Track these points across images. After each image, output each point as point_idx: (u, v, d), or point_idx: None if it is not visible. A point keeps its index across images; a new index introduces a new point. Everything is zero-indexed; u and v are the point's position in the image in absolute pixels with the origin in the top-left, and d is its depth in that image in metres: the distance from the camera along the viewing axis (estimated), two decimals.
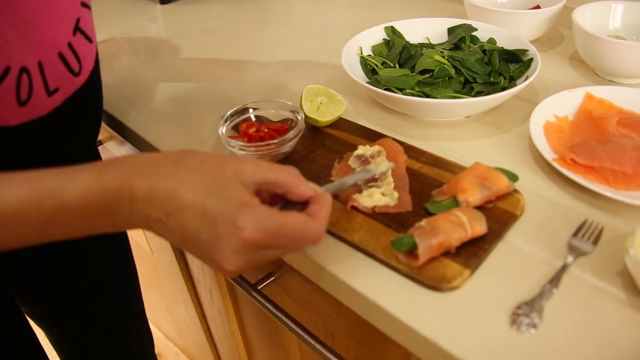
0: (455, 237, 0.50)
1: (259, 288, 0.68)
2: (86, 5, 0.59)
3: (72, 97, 0.57)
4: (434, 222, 0.51)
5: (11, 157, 0.53)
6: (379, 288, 0.49)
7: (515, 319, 0.45)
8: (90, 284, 0.81)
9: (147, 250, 1.16)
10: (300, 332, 0.63)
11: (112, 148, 1.00)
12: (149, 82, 0.88)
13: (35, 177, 0.41)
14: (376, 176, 0.58)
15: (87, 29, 0.59)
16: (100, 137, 0.97)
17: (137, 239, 1.16)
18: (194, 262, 0.99)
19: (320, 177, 0.61)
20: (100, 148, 0.95)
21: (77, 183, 0.41)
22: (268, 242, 0.42)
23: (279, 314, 0.65)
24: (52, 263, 0.75)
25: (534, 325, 0.45)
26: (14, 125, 0.51)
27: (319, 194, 0.46)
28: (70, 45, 0.56)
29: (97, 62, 0.63)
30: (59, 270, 0.76)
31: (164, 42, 1.03)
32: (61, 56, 0.55)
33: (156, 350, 1.01)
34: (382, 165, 0.59)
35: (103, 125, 0.84)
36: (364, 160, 0.62)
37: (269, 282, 0.70)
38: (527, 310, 0.46)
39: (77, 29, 0.57)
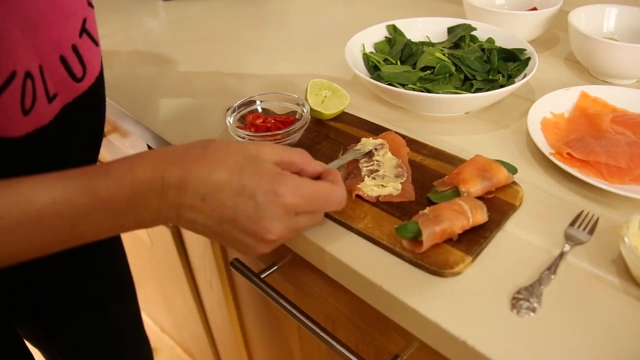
0: (458, 225, 0.51)
1: (262, 277, 0.69)
2: (91, 5, 0.56)
3: (71, 104, 0.53)
4: (438, 210, 0.53)
5: (12, 172, 0.47)
6: (383, 273, 0.50)
7: (515, 303, 0.47)
8: (87, 301, 0.80)
9: (147, 241, 1.16)
10: (302, 318, 0.64)
11: (115, 140, 1.01)
12: (151, 77, 0.89)
13: (70, 177, 0.41)
14: (365, 151, 0.63)
15: (92, 30, 0.55)
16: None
17: (138, 231, 1.16)
18: (194, 253, 0.99)
19: None
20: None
21: (109, 178, 0.41)
22: (304, 206, 0.45)
23: (281, 301, 0.66)
24: (49, 283, 0.73)
25: (533, 309, 0.46)
26: (18, 136, 0.47)
27: (328, 169, 0.51)
28: (74, 48, 0.52)
29: (101, 67, 0.60)
30: (55, 290, 0.75)
31: (165, 37, 1.04)
32: (62, 59, 0.50)
33: (152, 345, 1.02)
34: (368, 144, 0.63)
35: (106, 117, 0.85)
36: (367, 152, 0.63)
37: (272, 271, 0.71)
38: (526, 295, 0.47)
39: (83, 30, 0.53)
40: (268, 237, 0.44)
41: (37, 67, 0.47)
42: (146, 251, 1.21)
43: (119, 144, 1.00)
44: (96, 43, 0.56)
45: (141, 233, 1.15)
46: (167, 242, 1.04)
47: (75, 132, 0.56)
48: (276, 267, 0.72)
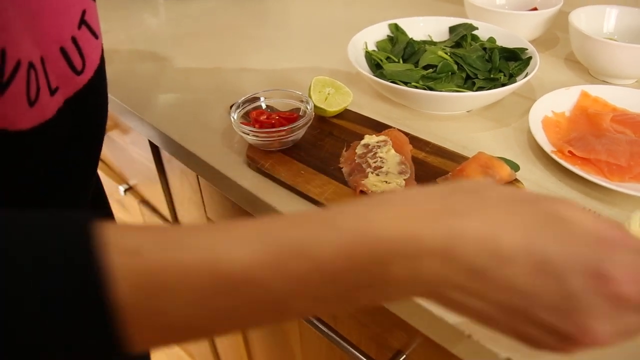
0: None
1: None
2: None
3: (72, 98, 0.51)
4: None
5: (16, 168, 0.45)
6: None
7: None
8: None
9: None
10: None
11: (116, 137, 1.01)
12: (152, 74, 0.89)
13: (267, 229, 0.29)
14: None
15: (92, 22, 0.54)
16: None
17: None
18: None
19: (329, 163, 0.63)
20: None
21: (333, 232, 0.29)
22: None
23: None
24: None
25: None
26: (26, 129, 0.43)
27: None
28: (74, 40, 0.50)
29: (102, 60, 0.57)
30: None
31: (166, 35, 1.04)
32: (63, 51, 0.48)
33: None
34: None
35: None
36: (371, 149, 0.63)
37: None
38: None
39: (82, 21, 0.51)
40: (584, 340, 0.29)
41: (38, 59, 0.45)
42: None
43: (120, 141, 1.00)
44: (96, 36, 0.55)
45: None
46: None
47: (77, 128, 0.54)
48: None
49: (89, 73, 0.53)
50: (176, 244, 0.28)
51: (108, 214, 0.74)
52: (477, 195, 0.30)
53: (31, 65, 0.44)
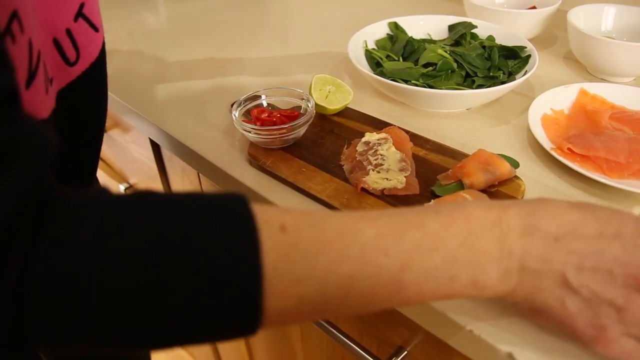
0: None
1: None
2: None
3: (66, 89, 0.51)
4: (442, 202, 0.53)
5: None
6: None
7: None
8: None
9: None
10: None
11: (116, 136, 1.01)
12: (152, 72, 0.89)
13: (390, 213, 0.36)
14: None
15: (92, 16, 0.53)
16: None
17: None
18: None
19: (330, 161, 0.63)
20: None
21: (439, 215, 0.36)
22: None
23: None
24: None
25: None
26: (45, 118, 0.44)
27: None
28: (69, 32, 0.50)
29: (102, 54, 0.56)
30: None
31: (166, 33, 1.04)
32: (56, 42, 0.49)
33: None
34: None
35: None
36: (371, 147, 0.64)
37: None
38: None
39: (79, 14, 0.51)
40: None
41: (38, 48, 0.45)
42: None
43: (121, 139, 1.00)
44: (95, 29, 0.54)
45: None
46: None
47: (74, 122, 0.53)
48: None
49: (83, 65, 0.53)
50: (316, 222, 0.34)
51: None
52: (547, 200, 0.38)
53: (39, 53, 0.44)
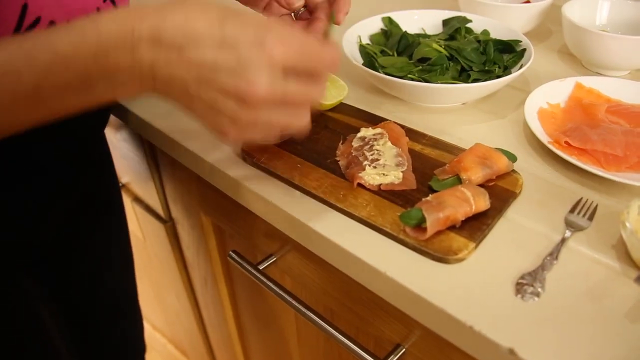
0: (461, 212, 0.52)
1: (260, 268, 0.69)
2: None
3: None
4: (441, 197, 0.53)
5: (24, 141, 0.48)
6: (388, 260, 0.50)
7: (519, 288, 0.47)
8: (85, 262, 0.80)
9: (140, 237, 1.15)
10: (301, 307, 0.64)
11: (108, 134, 0.99)
12: None
13: (27, 36, 0.39)
14: None
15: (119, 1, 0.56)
16: None
17: (131, 226, 1.15)
18: (189, 247, 0.99)
19: (326, 157, 0.63)
20: None
21: (71, 32, 0.38)
22: (295, 60, 0.40)
23: (280, 291, 0.66)
24: (56, 247, 0.74)
25: (537, 294, 0.47)
26: None
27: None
28: (98, 11, 0.52)
29: None
30: (54, 250, 0.75)
31: None
32: None
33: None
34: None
35: None
36: (367, 142, 0.63)
37: (270, 263, 0.71)
38: (530, 280, 0.48)
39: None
40: (251, 94, 0.39)
41: (63, 20, 0.47)
42: (139, 247, 1.20)
43: (112, 137, 0.98)
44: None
45: (134, 228, 1.14)
46: (161, 237, 1.03)
47: None
48: (274, 258, 0.71)
49: None
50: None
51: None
52: (186, 1, 0.40)
53: (52, 23, 0.47)
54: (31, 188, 0.60)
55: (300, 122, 0.44)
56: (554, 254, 0.50)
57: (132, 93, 0.41)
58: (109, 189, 0.83)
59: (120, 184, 1.08)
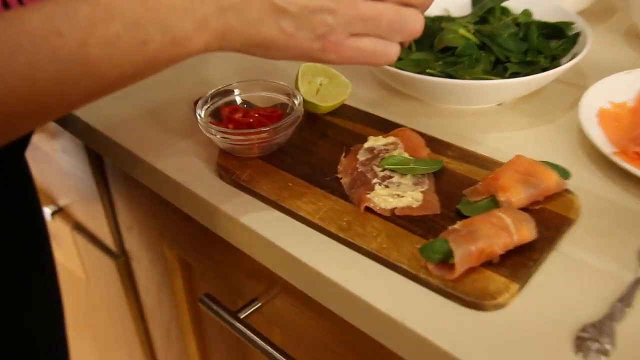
0: (499, 243, 0.51)
1: (241, 317, 0.69)
2: None
3: None
4: (472, 224, 0.52)
5: None
6: (406, 306, 0.50)
7: (580, 345, 0.46)
8: (10, 312, 0.79)
9: (81, 276, 1.15)
10: None
11: (41, 143, 1.00)
12: None
13: None
14: None
15: None
16: None
17: (68, 263, 1.14)
18: (148, 290, 0.98)
19: (324, 173, 0.63)
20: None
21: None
22: None
23: (265, 346, 0.66)
24: None
25: (605, 352, 0.46)
26: None
27: None
28: None
29: None
30: None
31: None
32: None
33: None
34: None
35: None
36: (377, 155, 0.63)
37: (254, 310, 0.71)
38: (594, 334, 0.47)
39: None
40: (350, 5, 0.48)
41: None
42: (79, 290, 1.19)
43: (46, 148, 0.99)
44: None
45: (73, 266, 1.14)
46: (110, 276, 1.02)
47: None
48: (259, 303, 0.71)
49: None
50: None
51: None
52: None
53: None
54: None
55: (390, 51, 0.52)
56: (626, 299, 0.50)
57: (194, 42, 0.45)
58: (28, 220, 0.82)
59: (49, 210, 1.09)
